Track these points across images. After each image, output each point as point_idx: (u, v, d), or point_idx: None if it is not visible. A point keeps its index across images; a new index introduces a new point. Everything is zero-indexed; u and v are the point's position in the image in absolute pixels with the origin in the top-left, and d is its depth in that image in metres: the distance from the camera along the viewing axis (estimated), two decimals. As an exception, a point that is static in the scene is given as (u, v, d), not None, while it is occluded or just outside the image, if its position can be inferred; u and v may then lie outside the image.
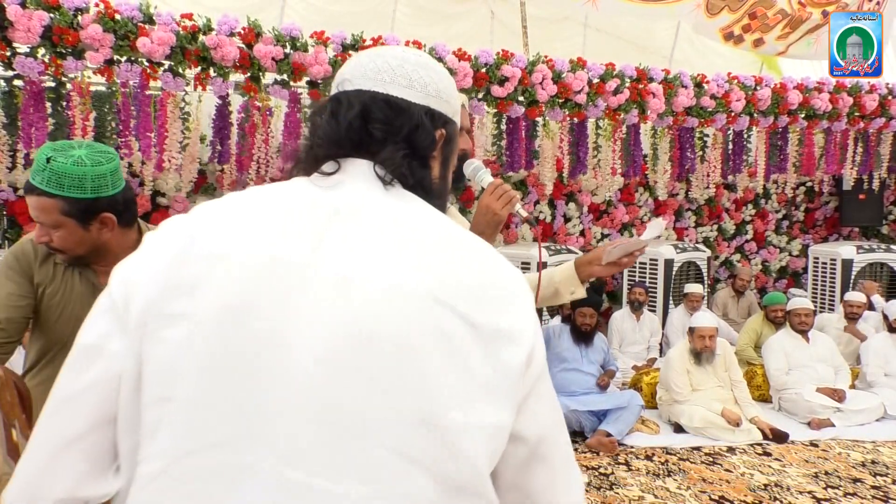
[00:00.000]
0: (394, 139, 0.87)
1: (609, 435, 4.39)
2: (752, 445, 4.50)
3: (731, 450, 4.41)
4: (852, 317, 5.88)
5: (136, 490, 0.74)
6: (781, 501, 3.66)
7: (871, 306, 6.21)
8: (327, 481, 0.71)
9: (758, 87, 6.09)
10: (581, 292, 1.85)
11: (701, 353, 4.83)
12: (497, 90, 5.15)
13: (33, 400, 1.57)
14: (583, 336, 4.92)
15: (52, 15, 3.96)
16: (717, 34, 6.74)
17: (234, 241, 0.79)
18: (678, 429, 4.69)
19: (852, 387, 5.24)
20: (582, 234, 7.29)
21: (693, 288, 6.40)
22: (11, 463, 1.08)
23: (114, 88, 4.50)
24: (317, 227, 0.80)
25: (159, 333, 0.75)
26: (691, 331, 4.94)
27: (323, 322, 0.75)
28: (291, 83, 4.74)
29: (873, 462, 4.23)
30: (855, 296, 5.96)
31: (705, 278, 6.92)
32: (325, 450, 0.72)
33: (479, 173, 1.83)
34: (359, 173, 0.86)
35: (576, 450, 4.33)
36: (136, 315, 0.77)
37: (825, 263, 7.15)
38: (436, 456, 0.73)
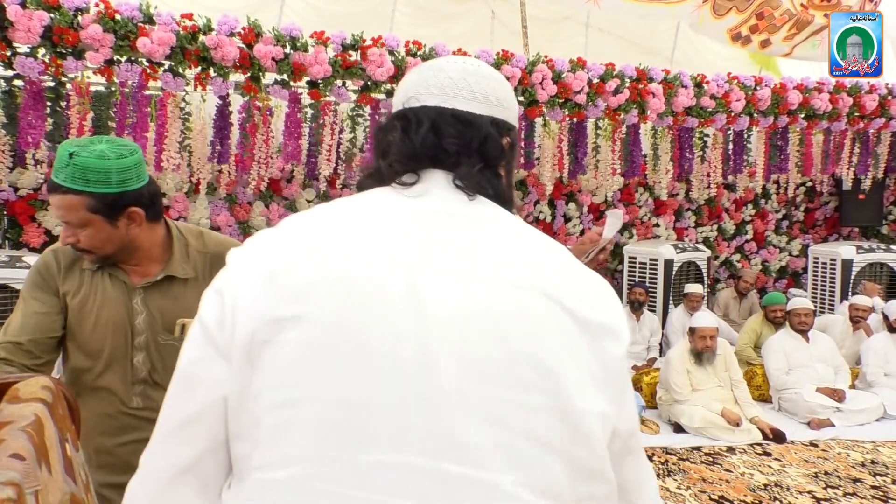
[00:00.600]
0: (467, 152, 0.90)
1: None
2: (751, 445, 4.50)
3: (730, 450, 4.41)
4: (857, 320, 5.88)
5: (261, 495, 0.73)
6: (781, 501, 3.66)
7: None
8: (480, 471, 0.73)
9: (758, 88, 6.09)
10: None
11: (701, 353, 4.83)
12: (497, 90, 5.15)
13: (93, 422, 1.58)
14: None
15: (52, 15, 3.96)
16: (725, 35, 6.73)
17: (340, 245, 0.81)
18: (678, 429, 4.70)
19: (852, 387, 5.25)
20: (582, 234, 7.29)
21: (693, 288, 6.40)
22: (70, 482, 1.07)
23: (113, 88, 4.50)
24: (421, 229, 0.83)
25: (273, 340, 0.75)
26: (692, 331, 4.94)
27: (453, 319, 0.76)
28: (292, 83, 4.75)
29: (873, 462, 4.23)
30: (861, 299, 5.95)
31: (705, 278, 6.93)
32: (474, 442, 0.73)
33: None
34: (441, 184, 0.89)
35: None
36: (237, 331, 0.77)
37: (825, 263, 7.15)
38: (567, 442, 0.76)
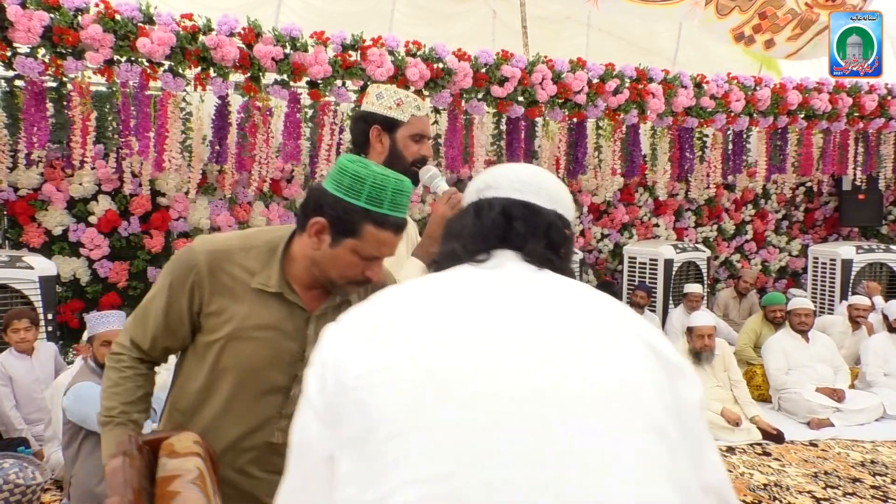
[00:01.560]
0: (533, 233, 1.01)
1: None
2: (751, 445, 4.50)
3: (730, 449, 4.42)
4: (857, 320, 5.87)
5: None
6: (781, 501, 3.66)
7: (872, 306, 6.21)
8: (608, 495, 0.76)
9: (757, 88, 6.09)
10: None
11: (700, 352, 4.83)
12: (497, 90, 5.16)
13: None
14: None
15: (52, 15, 3.96)
16: (728, 35, 6.72)
17: (437, 306, 0.90)
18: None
19: (852, 387, 5.25)
20: (582, 234, 7.30)
21: (692, 288, 6.40)
22: None
23: (114, 89, 4.50)
24: (508, 291, 0.92)
25: (374, 381, 0.83)
26: (689, 330, 4.94)
27: (562, 372, 0.82)
28: (291, 83, 4.75)
29: (872, 462, 4.23)
30: (860, 299, 5.95)
31: (705, 278, 6.93)
32: (602, 463, 0.78)
33: (435, 180, 1.92)
34: (512, 259, 0.99)
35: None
36: (334, 386, 0.85)
37: (825, 263, 7.15)
38: (671, 462, 0.81)
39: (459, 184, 6.42)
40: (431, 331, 0.86)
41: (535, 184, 1.05)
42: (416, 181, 1.94)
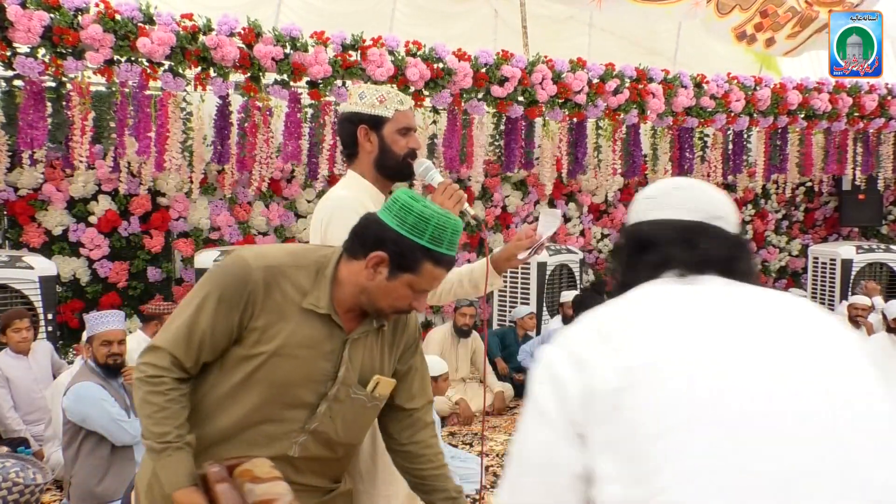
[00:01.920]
0: (722, 255, 1.06)
1: None
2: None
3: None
4: (857, 320, 5.87)
5: None
6: (781, 501, 3.65)
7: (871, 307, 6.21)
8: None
9: (757, 88, 6.09)
10: (499, 283, 2.09)
11: None
12: (497, 90, 5.16)
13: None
14: None
15: (52, 15, 3.96)
16: (730, 34, 6.73)
17: (675, 315, 0.95)
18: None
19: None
20: (582, 234, 7.30)
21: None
22: None
23: (113, 89, 4.50)
24: (733, 301, 0.97)
25: (636, 381, 0.86)
26: None
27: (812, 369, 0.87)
28: (291, 83, 4.75)
29: (873, 462, 4.22)
30: (860, 299, 5.94)
31: (705, 278, 6.92)
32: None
33: (429, 173, 1.96)
34: (711, 278, 1.03)
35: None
36: (580, 397, 0.88)
37: (825, 263, 7.15)
38: None
39: (459, 183, 6.43)
40: (680, 335, 0.90)
41: (721, 207, 1.11)
42: (410, 174, 1.98)
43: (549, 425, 0.90)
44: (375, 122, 1.90)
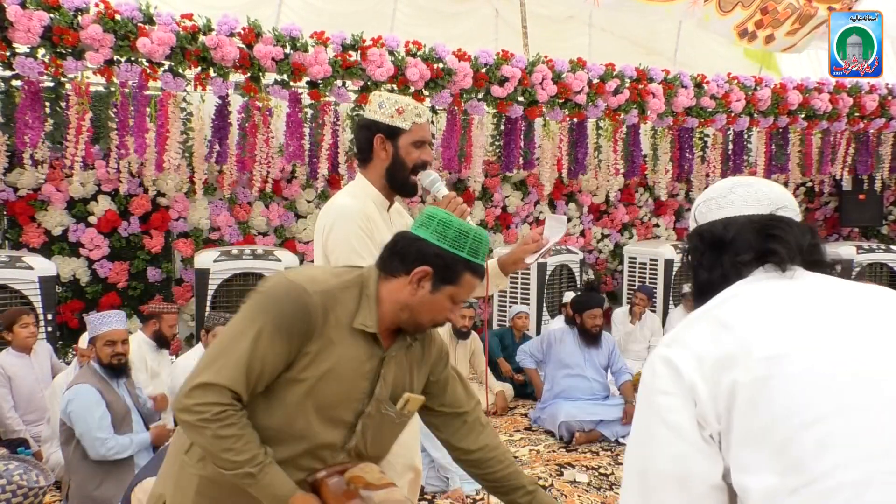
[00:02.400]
0: (804, 246, 1.10)
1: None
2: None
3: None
4: None
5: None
6: (781, 501, 3.65)
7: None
8: None
9: (758, 88, 6.09)
10: (504, 284, 2.21)
11: None
12: (497, 90, 5.15)
13: None
14: (592, 338, 4.73)
15: (52, 15, 3.96)
16: (732, 32, 6.71)
17: (797, 311, 0.97)
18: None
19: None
20: (582, 234, 7.29)
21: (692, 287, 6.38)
22: None
23: (113, 89, 4.50)
24: (846, 293, 1.01)
25: (772, 374, 0.88)
26: None
27: None
28: (291, 83, 4.74)
29: (873, 462, 4.22)
30: None
31: (705, 278, 6.91)
32: None
33: (436, 185, 2.04)
34: (803, 272, 1.08)
35: (575, 450, 4.34)
36: (711, 397, 0.91)
37: (825, 264, 7.13)
38: None
39: (459, 184, 6.42)
40: (806, 327, 0.93)
41: (788, 199, 1.15)
42: (414, 191, 2.06)
43: (682, 438, 0.91)
44: (392, 133, 1.97)
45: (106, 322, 3.21)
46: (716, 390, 0.90)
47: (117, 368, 3.17)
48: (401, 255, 1.50)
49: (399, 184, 2.02)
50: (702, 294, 1.10)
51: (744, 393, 0.88)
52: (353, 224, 1.89)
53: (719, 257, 1.10)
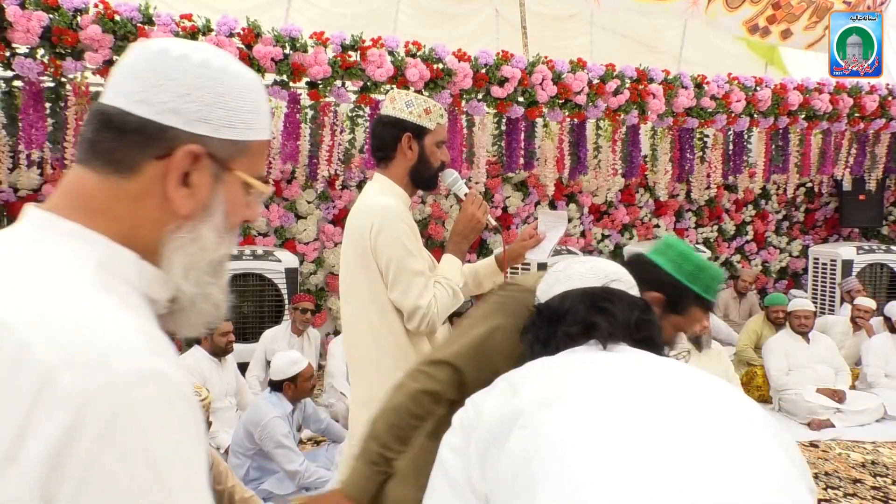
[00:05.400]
0: (630, 322, 1.13)
1: None
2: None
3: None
4: (857, 321, 5.85)
5: None
6: (781, 502, 3.65)
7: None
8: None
9: (758, 88, 6.08)
10: (500, 279, 2.26)
11: (700, 337, 4.76)
12: (497, 91, 5.15)
13: None
14: None
15: (51, 15, 3.96)
16: (742, 28, 6.68)
17: (577, 371, 1.01)
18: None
19: (852, 388, 5.24)
20: (583, 234, 7.29)
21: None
22: None
23: (113, 89, 4.49)
24: (639, 365, 1.03)
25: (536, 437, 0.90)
26: None
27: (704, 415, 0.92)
28: (291, 84, 4.74)
29: (873, 463, 4.22)
30: (865, 301, 5.93)
31: (705, 279, 6.89)
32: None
33: (457, 184, 2.13)
34: (629, 348, 1.10)
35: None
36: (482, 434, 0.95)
37: (825, 264, 7.14)
38: None
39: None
40: (571, 385, 0.96)
41: (621, 274, 1.20)
42: (436, 185, 2.15)
43: (456, 495, 0.92)
44: (419, 132, 2.03)
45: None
46: (486, 452, 0.91)
47: None
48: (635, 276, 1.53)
49: (423, 181, 2.08)
50: None
51: (506, 457, 0.88)
52: (401, 223, 1.92)
53: (555, 331, 1.13)
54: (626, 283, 1.20)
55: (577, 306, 1.13)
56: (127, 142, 0.73)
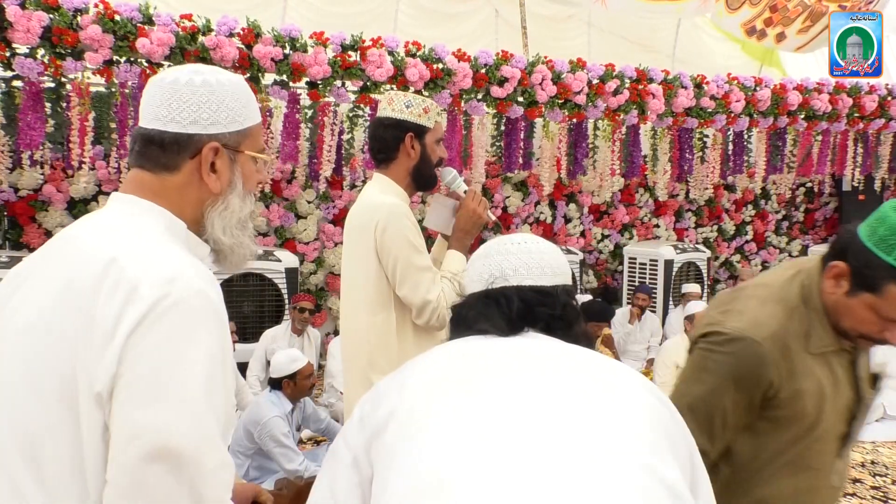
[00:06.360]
0: (553, 316, 1.09)
1: None
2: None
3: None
4: None
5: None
6: (781, 502, 3.65)
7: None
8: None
9: (757, 88, 6.08)
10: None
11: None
12: (497, 91, 5.15)
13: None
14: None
15: (51, 15, 3.96)
16: (740, 30, 6.72)
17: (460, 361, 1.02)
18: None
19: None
20: (582, 234, 7.29)
21: (691, 287, 6.40)
22: None
23: (113, 89, 4.50)
24: (542, 349, 1.04)
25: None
26: (689, 318, 4.92)
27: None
28: (291, 84, 4.75)
29: (873, 462, 4.22)
30: None
31: (705, 279, 6.92)
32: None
33: (456, 181, 2.14)
34: (537, 333, 1.08)
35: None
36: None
37: (825, 264, 7.12)
38: None
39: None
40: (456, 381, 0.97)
41: (545, 264, 1.12)
42: (435, 184, 2.15)
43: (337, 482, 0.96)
44: (420, 131, 2.05)
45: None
46: (369, 447, 0.94)
47: None
48: (831, 246, 1.35)
49: (424, 180, 2.10)
50: None
51: (382, 448, 0.92)
52: (406, 220, 1.96)
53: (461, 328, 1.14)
54: (552, 274, 1.12)
55: (476, 304, 1.12)
56: (169, 151, 1.07)
